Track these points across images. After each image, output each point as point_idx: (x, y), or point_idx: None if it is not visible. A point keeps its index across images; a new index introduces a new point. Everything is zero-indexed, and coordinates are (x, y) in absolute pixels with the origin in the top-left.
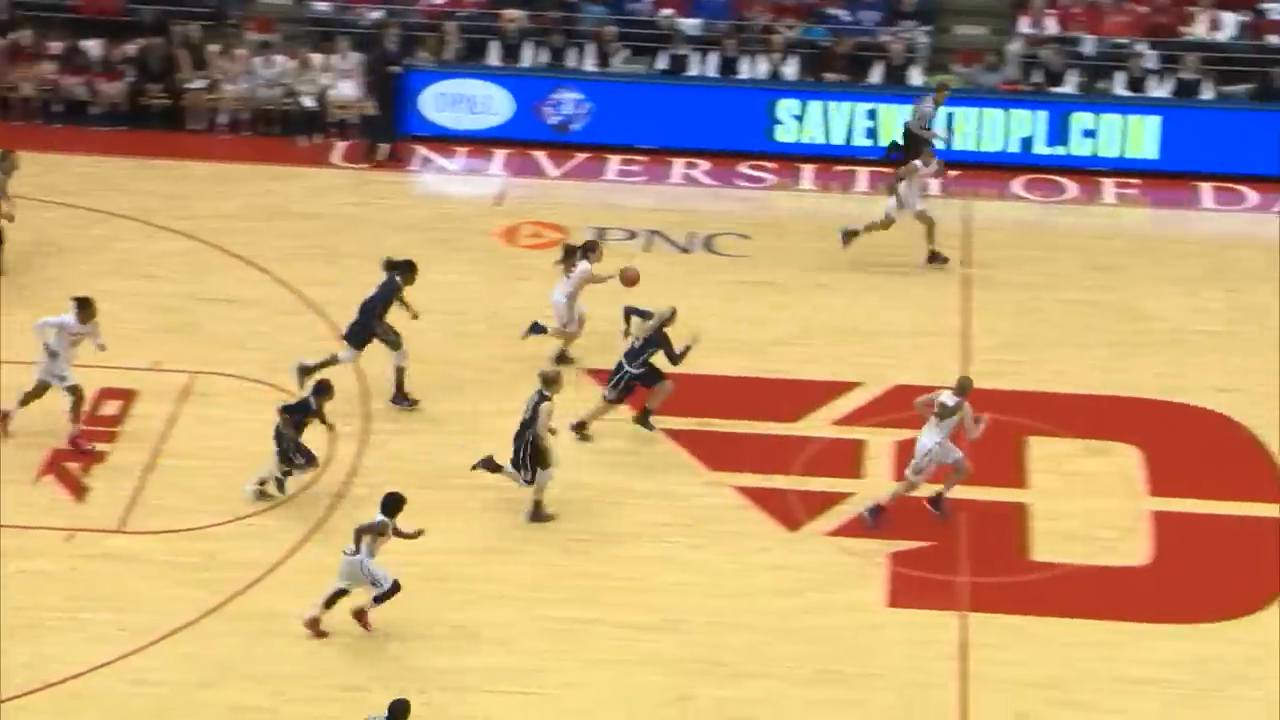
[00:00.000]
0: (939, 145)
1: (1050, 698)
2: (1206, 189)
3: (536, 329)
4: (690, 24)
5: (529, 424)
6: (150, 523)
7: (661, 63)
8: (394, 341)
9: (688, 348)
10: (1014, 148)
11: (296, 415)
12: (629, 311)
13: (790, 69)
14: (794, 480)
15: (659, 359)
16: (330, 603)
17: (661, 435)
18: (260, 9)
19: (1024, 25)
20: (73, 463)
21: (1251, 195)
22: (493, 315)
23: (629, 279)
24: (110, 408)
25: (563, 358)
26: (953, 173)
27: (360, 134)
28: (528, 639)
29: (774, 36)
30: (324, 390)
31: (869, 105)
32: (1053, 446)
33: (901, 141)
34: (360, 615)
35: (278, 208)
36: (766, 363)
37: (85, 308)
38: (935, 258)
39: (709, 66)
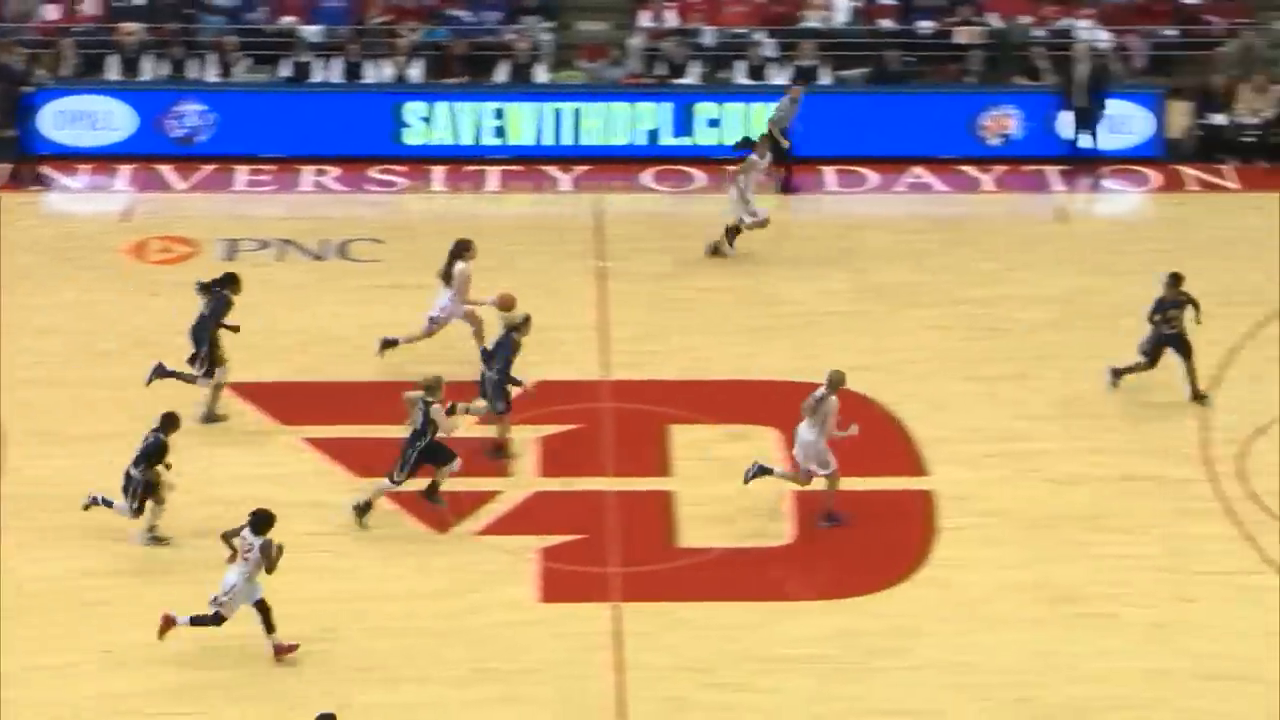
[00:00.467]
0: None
1: (704, 681)
2: (830, 172)
3: (388, 343)
4: (311, 30)
5: (421, 433)
6: None
7: (285, 70)
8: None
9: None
10: (641, 140)
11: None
12: (385, 342)
13: (415, 71)
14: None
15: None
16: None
17: (301, 443)
18: None
19: (645, 19)
20: None
21: (873, 177)
22: (124, 334)
23: (504, 304)
24: None
25: (389, 343)
26: (582, 167)
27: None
28: (168, 662)
29: (397, 40)
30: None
31: (495, 105)
32: (695, 433)
33: (755, 139)
34: (280, 649)
35: None
36: (404, 366)
37: None
38: (718, 250)
39: (333, 72)
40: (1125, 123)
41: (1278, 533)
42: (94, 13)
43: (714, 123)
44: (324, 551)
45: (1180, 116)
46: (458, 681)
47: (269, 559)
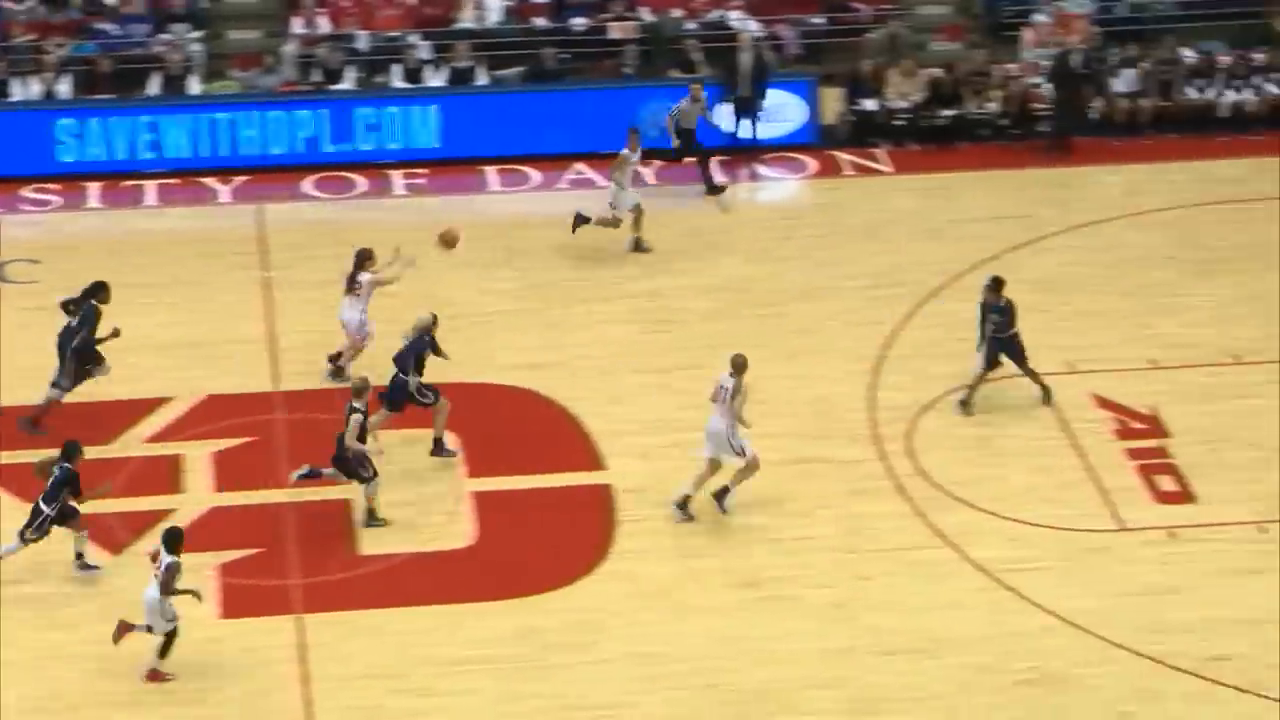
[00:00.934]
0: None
1: (390, 688)
2: (492, 172)
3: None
4: None
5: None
6: None
7: None
8: (79, 375)
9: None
10: (300, 148)
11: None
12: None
13: (64, 87)
14: (114, 503)
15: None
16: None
17: None
18: None
19: (297, 26)
20: None
21: (534, 175)
22: None
23: (449, 240)
24: None
25: (340, 371)
26: (242, 178)
27: None
28: None
29: (44, 56)
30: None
31: (149, 118)
32: (380, 439)
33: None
34: (156, 676)
35: None
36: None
37: None
38: (639, 245)
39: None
40: (780, 111)
41: (947, 508)
42: None
43: (372, 127)
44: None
45: (833, 103)
46: (142, 705)
47: (170, 578)
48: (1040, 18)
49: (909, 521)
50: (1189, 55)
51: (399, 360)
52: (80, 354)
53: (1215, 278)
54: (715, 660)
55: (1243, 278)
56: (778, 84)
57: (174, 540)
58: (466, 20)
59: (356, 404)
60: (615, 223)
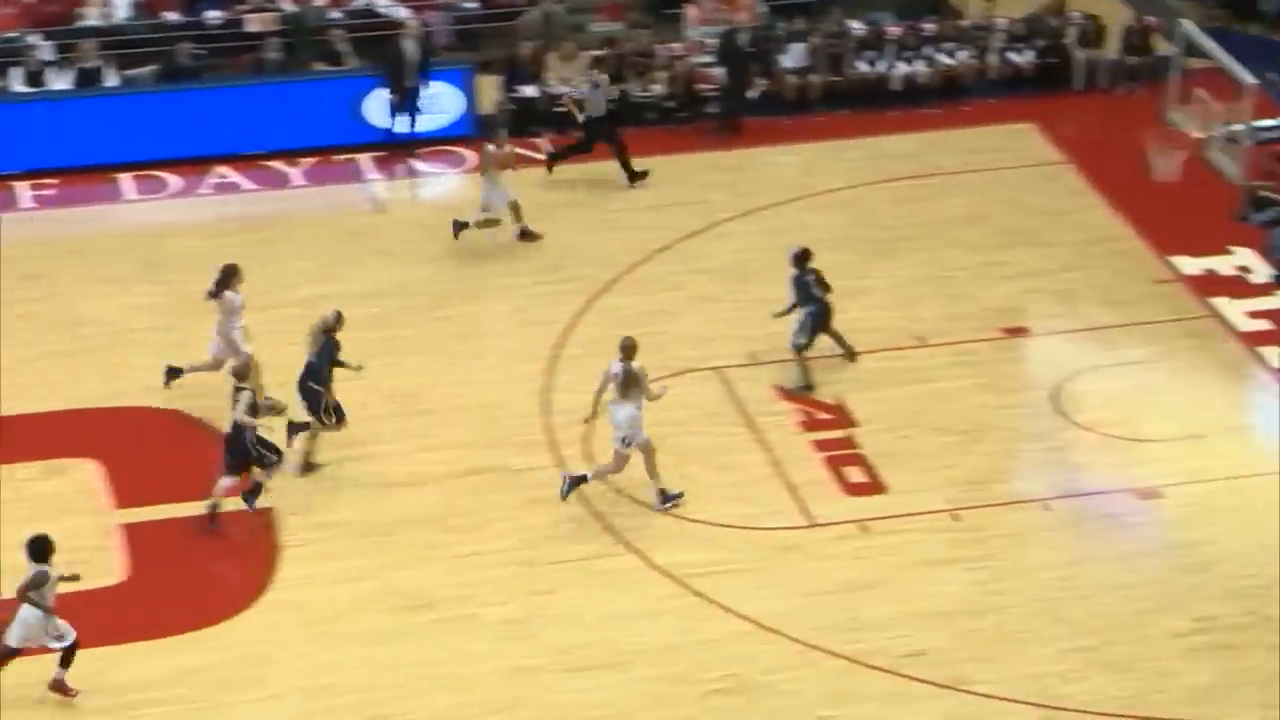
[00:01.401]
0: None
1: None
2: (127, 179)
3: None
4: None
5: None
6: None
7: None
8: None
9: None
10: None
11: None
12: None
13: None
14: None
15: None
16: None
17: None
18: None
19: None
20: None
21: (174, 180)
22: None
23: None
24: None
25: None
26: None
27: None
28: None
29: None
30: None
31: None
32: (13, 473)
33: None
34: (61, 687)
35: None
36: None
37: None
38: (527, 234)
39: None
40: (436, 102)
41: (629, 513)
42: None
43: None
44: None
45: (491, 91)
46: None
47: (39, 587)
48: None
49: (589, 530)
50: (857, 27)
51: (313, 373)
52: None
53: (894, 258)
54: (389, 690)
55: (922, 256)
56: (432, 74)
57: (42, 550)
58: (92, 17)
59: (241, 385)
60: (494, 223)
